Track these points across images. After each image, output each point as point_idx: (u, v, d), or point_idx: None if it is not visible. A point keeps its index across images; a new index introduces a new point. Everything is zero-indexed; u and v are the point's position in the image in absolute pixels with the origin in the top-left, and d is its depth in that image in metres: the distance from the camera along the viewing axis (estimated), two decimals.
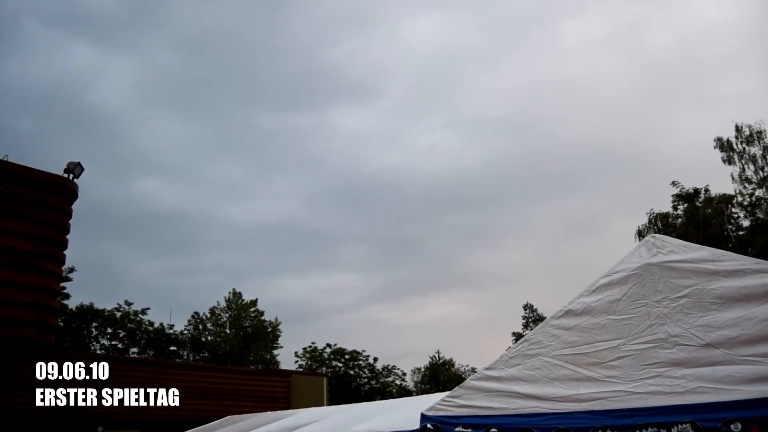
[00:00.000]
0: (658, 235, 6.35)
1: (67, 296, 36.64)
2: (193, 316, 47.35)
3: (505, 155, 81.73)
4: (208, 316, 47.72)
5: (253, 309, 48.41)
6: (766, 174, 34.21)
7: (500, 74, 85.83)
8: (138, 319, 42.14)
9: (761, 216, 33.67)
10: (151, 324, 42.83)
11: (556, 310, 6.61)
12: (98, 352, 38.21)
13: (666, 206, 37.19)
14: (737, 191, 35.08)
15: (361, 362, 51.69)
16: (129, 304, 41.93)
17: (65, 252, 13.43)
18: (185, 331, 46.40)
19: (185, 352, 45.61)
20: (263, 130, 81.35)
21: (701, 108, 66.87)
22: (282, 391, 25.71)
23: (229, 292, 48.78)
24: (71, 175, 13.13)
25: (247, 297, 48.73)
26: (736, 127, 35.12)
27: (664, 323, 5.79)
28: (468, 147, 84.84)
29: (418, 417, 7.26)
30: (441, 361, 61.50)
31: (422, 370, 61.52)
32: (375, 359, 52.50)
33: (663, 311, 5.84)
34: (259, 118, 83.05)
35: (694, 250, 6.03)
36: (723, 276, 5.66)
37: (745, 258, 5.89)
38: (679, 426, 14.80)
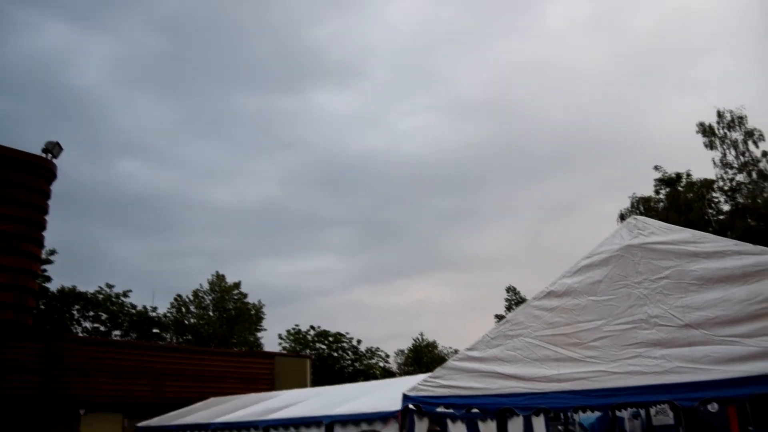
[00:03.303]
0: (639, 217, 6.38)
1: (48, 279, 36.23)
2: (175, 299, 47.14)
3: (487, 138, 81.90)
4: (191, 298, 47.50)
5: (236, 291, 48.25)
6: (746, 159, 34.55)
7: (483, 56, 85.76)
8: (120, 301, 41.84)
9: (741, 201, 34.04)
10: (134, 307, 42.56)
11: (538, 292, 6.64)
12: (80, 335, 37.95)
13: (648, 190, 37.51)
14: (718, 176, 35.46)
15: (344, 344, 51.83)
16: (110, 286, 41.60)
17: (44, 233, 13.25)
18: (168, 314, 46.23)
19: (168, 335, 45.43)
20: (244, 112, 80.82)
21: (684, 92, 67.34)
22: (265, 373, 25.70)
23: (212, 275, 48.60)
24: (50, 155, 12.92)
25: (230, 279, 48.61)
26: (718, 112, 35.40)
27: (644, 304, 5.84)
28: (450, 129, 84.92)
29: (400, 398, 7.29)
30: (424, 343, 61.91)
31: (405, 352, 61.92)
32: (358, 341, 52.72)
33: (643, 292, 5.88)
34: (240, 100, 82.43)
35: (674, 231, 6.07)
36: (703, 258, 5.72)
37: (725, 240, 5.95)
38: (658, 406, 15.00)
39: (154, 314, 43.82)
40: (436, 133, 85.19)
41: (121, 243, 67.71)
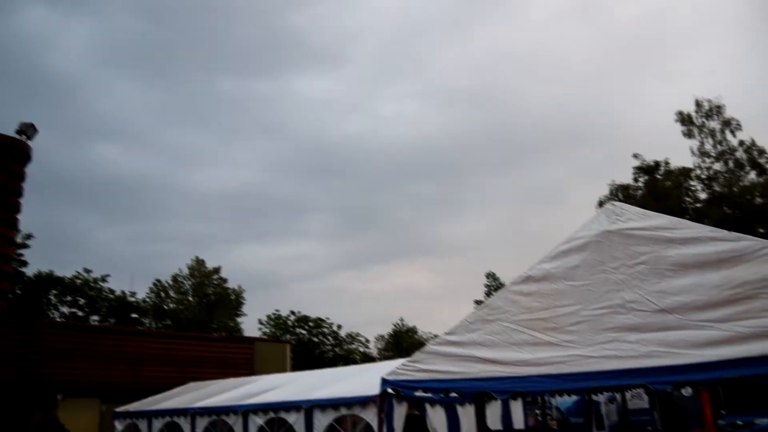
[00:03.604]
0: (617, 203, 6.43)
1: (25, 263, 35.78)
2: (155, 284, 46.91)
3: (469, 125, 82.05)
4: (171, 283, 47.29)
5: (216, 276, 48.10)
6: (723, 148, 34.99)
7: (466, 43, 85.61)
8: (98, 286, 41.49)
9: (718, 189, 34.50)
10: (112, 292, 42.25)
11: (516, 276, 6.67)
12: (58, 320, 37.57)
13: (627, 178, 37.87)
14: (696, 165, 35.90)
15: (324, 329, 51.97)
16: (88, 271, 41.23)
17: (19, 216, 13.06)
18: (147, 299, 45.95)
19: (147, 320, 45.18)
20: (225, 96, 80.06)
21: (664, 82, 67.81)
22: (245, 358, 25.69)
23: (192, 260, 48.40)
24: (24, 137, 12.70)
25: (210, 265, 48.44)
26: (696, 101, 35.78)
27: (621, 289, 5.89)
28: (432, 116, 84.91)
29: (379, 382, 7.30)
30: (404, 328, 62.25)
31: (385, 337, 62.24)
32: (339, 327, 52.90)
33: (620, 277, 5.94)
34: (221, 84, 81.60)
35: (651, 218, 6.12)
36: (679, 243, 5.78)
37: (701, 226, 6.02)
38: (633, 390, 15.19)
39: (132, 299, 43.54)
40: (417, 120, 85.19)
41: (100, 227, 67.14)
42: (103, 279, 41.74)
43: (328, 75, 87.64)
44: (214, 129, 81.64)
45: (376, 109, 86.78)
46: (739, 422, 17.83)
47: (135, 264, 65.38)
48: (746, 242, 5.50)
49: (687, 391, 19.26)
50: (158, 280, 47.11)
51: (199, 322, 44.31)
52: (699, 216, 31.84)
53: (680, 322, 5.48)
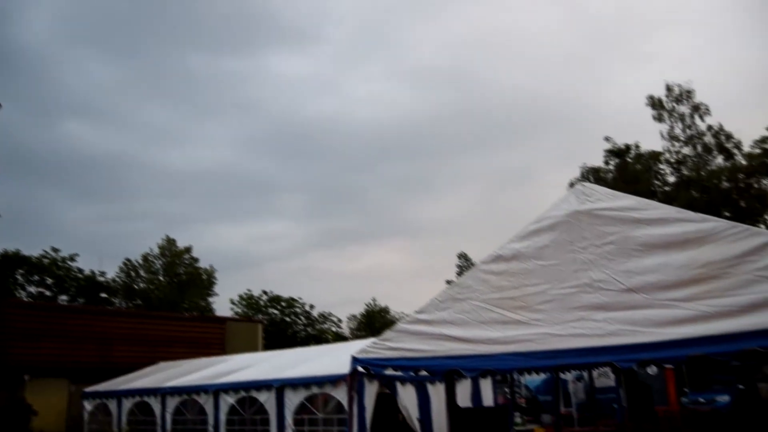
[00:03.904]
0: (587, 184, 6.50)
1: None
2: (125, 263, 46.29)
3: (443, 106, 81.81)
4: (141, 263, 46.74)
5: (187, 256, 47.66)
6: (692, 132, 35.52)
7: (441, 23, 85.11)
8: (66, 266, 40.83)
9: (686, 173, 35.06)
10: (81, 271, 41.60)
11: (486, 256, 6.72)
12: (25, 299, 36.94)
13: (598, 161, 38.28)
14: (665, 148, 36.42)
15: (297, 309, 51.90)
16: (56, 250, 40.50)
17: None
18: (117, 279, 45.40)
19: (117, 300, 44.68)
20: (196, 73, 78.41)
21: (637, 65, 68.33)
22: (216, 338, 25.56)
23: (162, 239, 47.85)
24: None
25: (181, 244, 47.97)
26: (667, 86, 36.21)
27: (589, 269, 5.98)
28: (407, 96, 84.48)
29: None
30: (377, 308, 62.52)
31: (358, 317, 62.47)
32: (311, 306, 52.88)
33: (588, 257, 6.02)
34: (192, 60, 79.91)
35: (620, 198, 6.20)
36: (646, 224, 5.87)
37: (668, 207, 6.11)
38: (600, 369, 15.45)
39: (102, 279, 42.93)
40: (392, 100, 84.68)
41: (68, 206, 65.86)
42: (72, 258, 41.07)
43: (303, 53, 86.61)
44: (187, 106, 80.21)
45: (351, 89, 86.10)
46: (701, 399, 18.33)
47: (104, 243, 64.30)
48: (711, 223, 5.61)
49: (652, 370, 19.70)
50: (128, 260, 46.54)
51: (170, 301, 43.93)
52: (668, 199, 32.33)
53: (646, 301, 5.59)
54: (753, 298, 5.09)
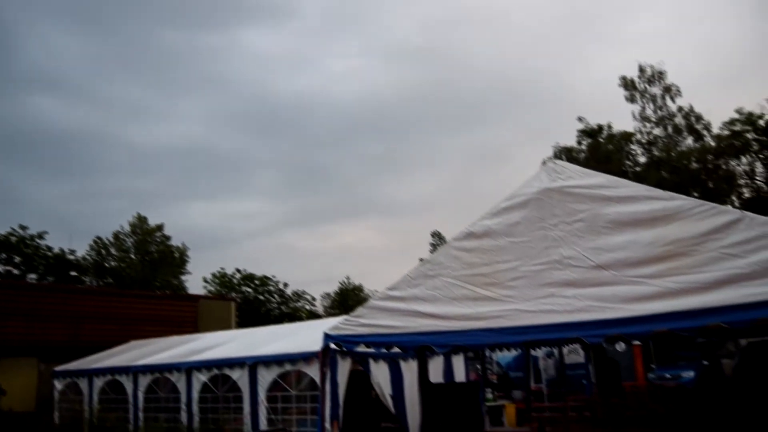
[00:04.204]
0: (558, 161, 6.55)
1: None
2: (95, 241, 45.68)
3: (418, 84, 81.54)
4: (112, 241, 46.16)
5: (159, 234, 47.17)
6: (663, 114, 35.97)
7: (417, 1, 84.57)
8: (35, 244, 40.16)
9: (657, 154, 35.55)
10: (50, 249, 40.97)
11: (458, 233, 6.75)
12: None
13: (571, 140, 38.63)
14: (637, 129, 36.85)
15: (271, 287, 51.86)
16: (24, 228, 39.80)
17: None
18: (87, 257, 44.83)
19: (87, 278, 44.15)
20: (169, 48, 76.97)
21: (610, 45, 68.75)
22: (189, 316, 25.40)
23: (133, 216, 47.26)
24: None
25: (152, 222, 47.44)
26: (640, 66, 36.55)
27: (559, 246, 6.04)
28: (382, 73, 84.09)
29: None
30: (351, 286, 62.76)
31: (332, 295, 62.66)
32: (285, 285, 52.86)
33: (559, 234, 6.08)
34: (165, 36, 78.44)
35: (591, 176, 6.26)
36: (616, 202, 5.94)
37: (637, 185, 6.18)
38: (569, 346, 15.66)
39: (72, 257, 42.32)
40: (367, 77, 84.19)
41: (36, 183, 64.53)
42: (40, 236, 40.39)
43: (277, 29, 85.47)
44: (159, 82, 78.69)
45: (325, 65, 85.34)
46: (668, 375, 18.79)
47: (74, 221, 63.24)
48: (679, 201, 5.70)
49: (620, 347, 20.09)
50: (99, 238, 45.92)
51: (142, 280, 43.54)
52: (638, 179, 32.70)
53: (614, 278, 5.68)
54: (718, 275, 5.19)
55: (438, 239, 55.68)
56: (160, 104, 76.58)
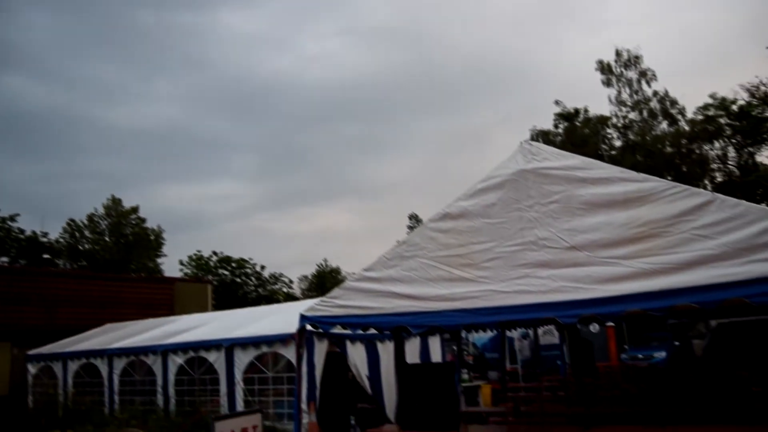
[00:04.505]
0: (534, 143, 6.56)
1: None
2: (68, 224, 45.02)
3: (396, 66, 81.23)
4: (86, 223, 45.53)
5: (134, 216, 46.62)
6: (639, 98, 36.27)
7: None
8: (7, 226, 39.48)
9: (632, 137, 35.89)
10: (22, 232, 40.32)
11: (434, 213, 6.75)
12: None
13: (548, 124, 38.85)
14: (613, 113, 37.15)
15: (248, 270, 51.63)
16: None
17: None
18: (61, 239, 44.21)
19: (61, 261, 43.56)
20: (145, 28, 75.68)
21: (588, 29, 68.95)
22: (164, 299, 25.20)
23: (108, 198, 46.62)
24: None
25: (127, 204, 46.84)
26: (616, 51, 36.77)
27: (534, 227, 6.08)
28: (360, 55, 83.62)
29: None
30: (328, 269, 62.75)
31: (309, 277, 62.62)
32: (262, 267, 52.67)
33: (534, 215, 6.11)
34: (141, 15, 77.03)
35: (566, 158, 6.29)
36: (590, 183, 5.98)
37: (612, 167, 6.23)
38: (544, 327, 15.81)
39: (44, 240, 41.70)
40: (345, 59, 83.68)
41: (7, 164, 63.27)
42: (12, 218, 39.71)
43: (255, 9, 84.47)
44: (134, 62, 77.40)
45: (304, 46, 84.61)
46: (640, 356, 19.15)
47: (47, 203, 62.30)
48: (652, 183, 5.75)
49: (594, 328, 20.50)
50: (72, 220, 45.27)
51: (117, 262, 43.08)
52: (613, 163, 32.76)
53: (588, 259, 5.73)
54: (689, 256, 5.27)
55: (415, 221, 55.82)
56: (136, 84, 75.44)
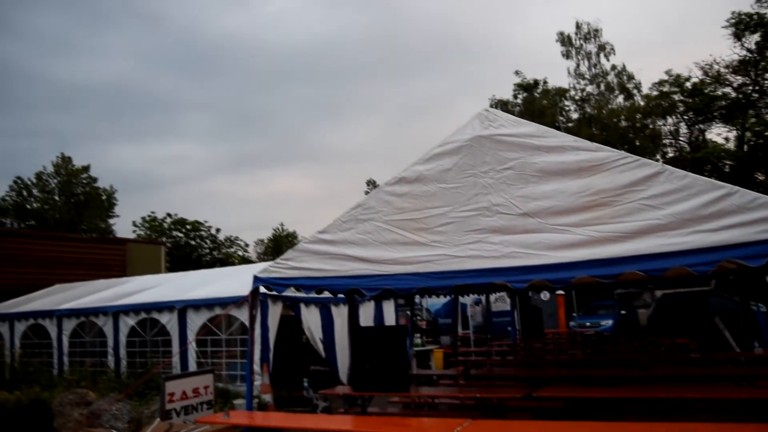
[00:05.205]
0: (491, 109, 6.58)
1: None
2: (15, 182, 43.60)
3: (356, 31, 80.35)
4: (34, 181, 44.15)
5: (84, 175, 45.38)
6: (597, 71, 36.66)
7: None
8: None
9: (589, 110, 36.36)
10: None
11: (390, 177, 6.75)
12: None
13: (508, 93, 39.00)
14: (571, 85, 37.50)
15: (203, 233, 51.00)
16: None
17: None
18: (7, 198, 42.85)
19: (8, 220, 42.29)
20: None
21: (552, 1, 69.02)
22: (116, 260, 24.75)
23: (57, 157, 45.21)
24: None
25: (78, 162, 45.53)
26: (576, 23, 36.97)
27: (489, 193, 6.14)
28: (319, 18, 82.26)
29: None
30: (284, 233, 62.49)
31: (265, 241, 62.30)
32: (217, 230, 52.10)
33: (488, 181, 6.17)
34: None
35: (522, 125, 6.34)
36: (544, 151, 6.04)
37: (566, 136, 6.30)
38: (497, 294, 16.12)
39: None
40: (304, 21, 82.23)
41: None
42: None
43: None
44: (83, 14, 74.51)
45: (261, 5, 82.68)
46: (588, 324, 19.74)
47: None
48: (605, 153, 5.85)
49: (545, 296, 21.04)
50: (19, 178, 43.84)
51: (67, 222, 42.02)
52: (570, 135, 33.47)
53: (540, 226, 5.83)
54: (637, 225, 5.40)
55: (372, 186, 55.75)
56: (85, 38, 72.86)
